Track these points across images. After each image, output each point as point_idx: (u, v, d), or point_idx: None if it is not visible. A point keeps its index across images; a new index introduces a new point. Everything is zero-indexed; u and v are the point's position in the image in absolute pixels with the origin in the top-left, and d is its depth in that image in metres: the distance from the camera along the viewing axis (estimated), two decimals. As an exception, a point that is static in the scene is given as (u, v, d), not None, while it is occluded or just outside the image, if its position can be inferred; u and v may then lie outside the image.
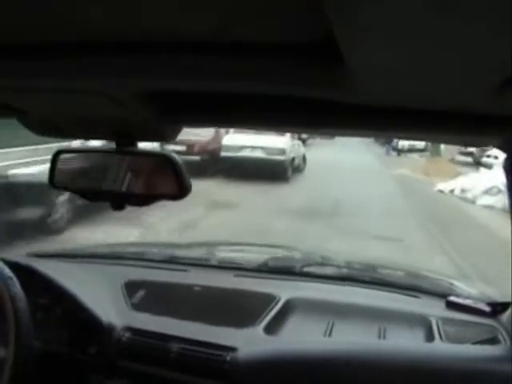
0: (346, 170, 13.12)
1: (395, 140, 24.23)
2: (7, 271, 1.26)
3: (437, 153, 21.37)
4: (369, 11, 0.35)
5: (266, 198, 8.68)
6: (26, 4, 0.43)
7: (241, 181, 10.09)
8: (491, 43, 0.39)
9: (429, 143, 23.29)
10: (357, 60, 0.47)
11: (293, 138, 12.05)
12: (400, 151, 24.64)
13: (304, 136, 25.92)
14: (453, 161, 17.46)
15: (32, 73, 0.59)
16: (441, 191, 10.75)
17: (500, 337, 1.29)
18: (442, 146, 21.99)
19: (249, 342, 1.30)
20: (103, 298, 1.50)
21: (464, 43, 0.40)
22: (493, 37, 0.38)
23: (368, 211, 7.69)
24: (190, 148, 10.11)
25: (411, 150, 24.32)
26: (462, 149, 19.06)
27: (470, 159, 18.69)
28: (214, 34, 0.49)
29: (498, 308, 1.37)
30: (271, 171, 10.52)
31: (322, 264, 1.98)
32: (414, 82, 0.55)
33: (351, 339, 1.36)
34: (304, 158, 13.47)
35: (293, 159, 11.65)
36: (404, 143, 24.69)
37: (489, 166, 12.43)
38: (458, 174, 14.24)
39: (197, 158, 10.36)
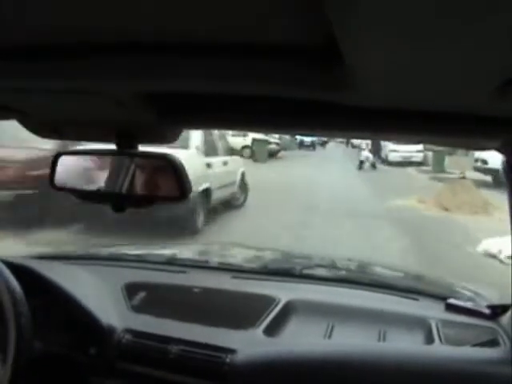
0: (316, 202, 8.63)
1: (384, 151, 20.93)
2: (7, 273, 1.27)
3: (441, 168, 17.44)
4: (369, 12, 0.35)
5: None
6: (25, 4, 0.44)
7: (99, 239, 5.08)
8: (491, 43, 0.39)
9: (429, 156, 19.69)
10: (357, 60, 0.47)
11: (208, 151, 6.86)
12: (390, 164, 20.80)
13: (274, 146, 21.48)
14: (464, 179, 13.07)
15: (32, 73, 0.59)
16: (492, 256, 5.59)
17: (500, 339, 1.29)
18: (446, 160, 17.88)
19: (248, 344, 1.32)
20: (103, 300, 1.52)
21: (464, 43, 0.41)
22: (493, 37, 0.38)
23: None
24: None
25: (406, 163, 20.14)
26: (478, 164, 14.45)
27: (488, 178, 14.03)
28: (215, 35, 0.49)
29: (497, 310, 1.37)
30: (165, 217, 5.50)
31: (322, 266, 2.01)
32: (414, 83, 0.55)
33: (351, 341, 1.38)
34: (243, 185, 8.38)
35: (206, 191, 6.55)
36: (396, 155, 20.94)
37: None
38: (487, 205, 9.74)
39: (8, 193, 5.35)
